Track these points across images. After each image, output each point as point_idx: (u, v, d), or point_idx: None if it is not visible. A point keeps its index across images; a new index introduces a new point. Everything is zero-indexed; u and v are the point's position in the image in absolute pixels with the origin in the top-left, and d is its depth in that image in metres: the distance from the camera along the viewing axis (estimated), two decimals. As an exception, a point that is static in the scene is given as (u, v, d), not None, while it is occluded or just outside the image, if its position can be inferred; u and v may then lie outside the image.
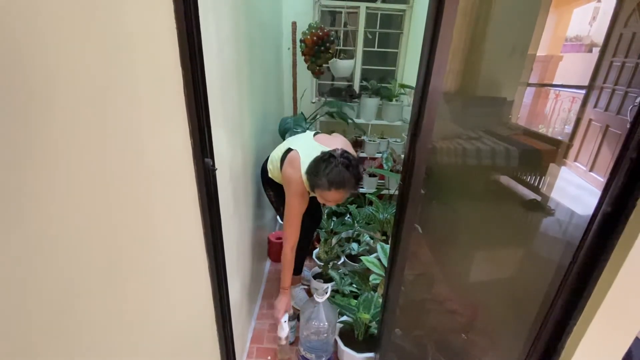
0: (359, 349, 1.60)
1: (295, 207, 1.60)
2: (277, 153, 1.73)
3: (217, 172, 0.99)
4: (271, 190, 1.85)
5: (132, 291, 0.69)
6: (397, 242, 1.23)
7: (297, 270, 2.05)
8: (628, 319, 0.73)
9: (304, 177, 1.52)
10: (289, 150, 1.64)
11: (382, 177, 2.81)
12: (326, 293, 1.56)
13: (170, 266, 0.84)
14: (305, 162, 1.53)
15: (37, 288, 0.46)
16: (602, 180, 0.98)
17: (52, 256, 0.48)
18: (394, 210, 2.27)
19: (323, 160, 1.44)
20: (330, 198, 1.48)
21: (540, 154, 1.24)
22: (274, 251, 2.47)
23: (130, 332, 0.70)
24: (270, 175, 1.78)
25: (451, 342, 1.45)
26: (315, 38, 2.33)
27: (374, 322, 1.63)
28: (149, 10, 0.67)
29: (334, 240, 2.21)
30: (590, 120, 1.13)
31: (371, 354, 1.59)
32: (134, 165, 0.65)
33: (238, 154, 1.44)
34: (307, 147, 1.63)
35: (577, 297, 0.76)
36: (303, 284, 2.18)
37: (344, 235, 2.41)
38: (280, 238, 2.46)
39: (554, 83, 1.26)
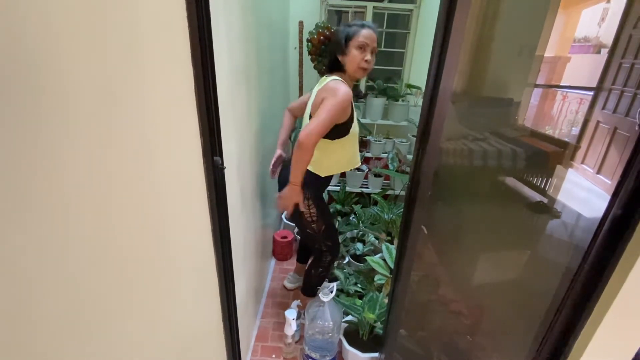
0: (363, 349, 1.60)
1: (334, 111, 1.39)
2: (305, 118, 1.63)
3: (225, 170, 1.00)
4: (311, 198, 1.58)
5: (140, 289, 0.70)
6: (404, 243, 1.23)
7: (314, 291, 1.86)
8: (637, 323, 0.73)
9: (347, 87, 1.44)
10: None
11: (387, 178, 2.81)
12: (331, 292, 1.56)
13: (179, 264, 0.85)
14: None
15: (45, 287, 0.46)
16: (609, 182, 0.98)
17: (61, 254, 0.48)
18: (400, 211, 2.27)
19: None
20: (368, 38, 1.44)
21: (547, 156, 1.23)
22: (278, 250, 2.47)
23: (139, 328, 0.71)
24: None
25: (456, 344, 1.45)
26: (322, 38, 2.32)
27: (379, 322, 1.63)
28: (161, 9, 0.68)
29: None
30: (598, 122, 1.12)
31: (376, 354, 1.59)
32: (144, 164, 0.66)
33: (245, 153, 1.45)
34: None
35: (585, 299, 0.76)
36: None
37: (348, 235, 2.41)
38: (285, 237, 2.47)
39: (561, 84, 1.25)
